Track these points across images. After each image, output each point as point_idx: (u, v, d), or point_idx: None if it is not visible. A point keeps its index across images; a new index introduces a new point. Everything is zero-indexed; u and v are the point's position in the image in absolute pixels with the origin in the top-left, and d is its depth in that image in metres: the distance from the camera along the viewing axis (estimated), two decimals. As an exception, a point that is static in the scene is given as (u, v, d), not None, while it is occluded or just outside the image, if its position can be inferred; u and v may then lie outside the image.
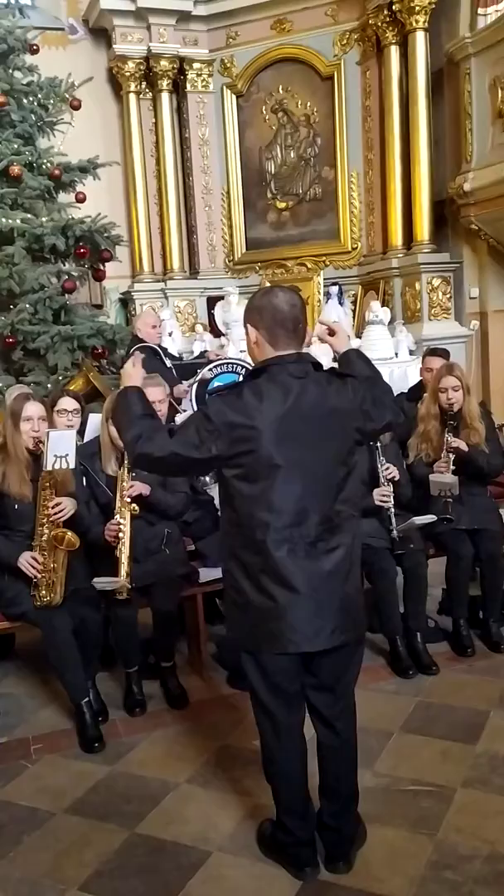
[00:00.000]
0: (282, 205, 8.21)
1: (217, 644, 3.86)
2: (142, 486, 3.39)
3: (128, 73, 7.91)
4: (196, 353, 7.58)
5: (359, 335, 7.26)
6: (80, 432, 4.15)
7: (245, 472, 2.18)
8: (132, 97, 8.01)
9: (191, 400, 5.33)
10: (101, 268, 6.80)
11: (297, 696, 2.32)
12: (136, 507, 3.35)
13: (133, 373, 2.53)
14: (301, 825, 2.33)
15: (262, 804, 2.57)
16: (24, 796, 2.84)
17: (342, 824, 2.36)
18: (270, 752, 2.36)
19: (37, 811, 2.73)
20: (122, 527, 3.32)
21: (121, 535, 3.32)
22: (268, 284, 8.09)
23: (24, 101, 6.35)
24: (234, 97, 8.19)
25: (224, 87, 8.19)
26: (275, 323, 2.22)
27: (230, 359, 5.61)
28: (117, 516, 3.34)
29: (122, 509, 3.33)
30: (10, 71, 6.31)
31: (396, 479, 3.74)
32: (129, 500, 3.34)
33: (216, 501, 3.94)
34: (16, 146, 6.13)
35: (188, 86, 8.16)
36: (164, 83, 7.97)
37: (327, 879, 2.29)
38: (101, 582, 3.29)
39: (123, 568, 3.29)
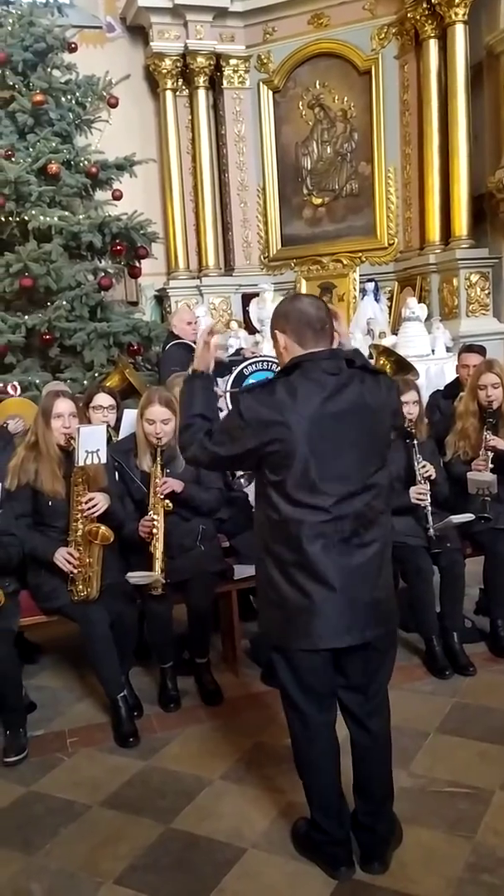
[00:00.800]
0: (318, 201, 8.18)
1: (251, 641, 3.85)
2: (175, 483, 3.39)
3: (164, 71, 7.94)
4: (231, 350, 7.58)
5: (395, 332, 7.21)
6: (116, 428, 4.17)
7: (276, 468, 2.17)
8: (169, 94, 8.04)
9: (226, 399, 5.32)
10: (137, 265, 6.83)
11: (328, 696, 2.30)
12: (170, 504, 3.36)
13: (202, 353, 2.45)
14: (335, 824, 2.32)
15: (297, 802, 2.56)
16: (61, 789, 2.86)
17: (377, 824, 2.34)
18: (302, 751, 2.35)
19: (73, 804, 2.75)
20: (155, 523, 3.33)
21: (154, 530, 3.33)
22: (303, 281, 8.09)
23: (63, 99, 6.41)
24: (270, 93, 8.17)
25: (260, 83, 8.17)
26: (301, 324, 2.23)
27: (265, 356, 5.59)
28: (151, 512, 3.35)
29: (156, 505, 3.35)
30: (49, 70, 6.37)
31: (433, 477, 3.70)
32: (162, 496, 3.35)
33: (250, 499, 3.94)
34: (54, 144, 6.19)
35: (224, 82, 8.16)
36: (201, 80, 7.98)
37: (362, 879, 2.28)
38: (135, 576, 3.30)
39: (157, 563, 3.30)
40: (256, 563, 2.37)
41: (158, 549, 3.31)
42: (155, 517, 3.33)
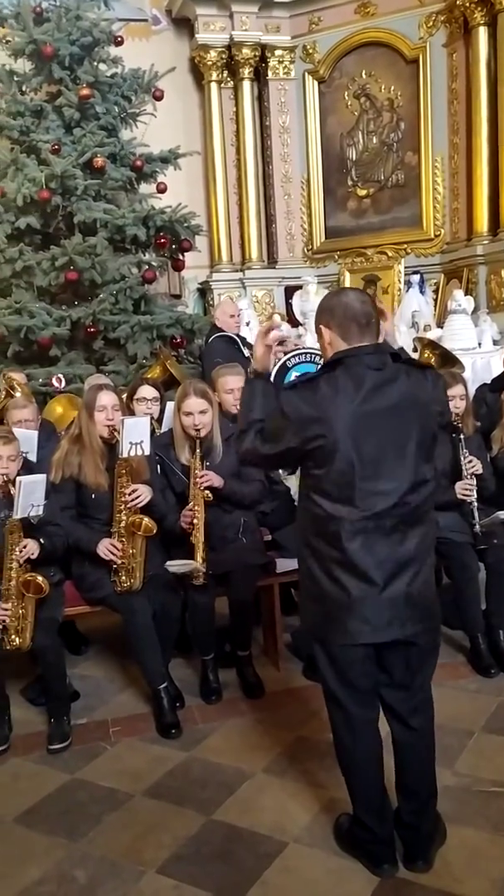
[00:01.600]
0: (363, 192, 8.10)
1: (292, 635, 3.85)
2: (215, 478, 3.39)
3: (210, 63, 7.93)
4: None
5: (440, 325, 7.10)
6: (159, 420, 4.19)
7: (319, 462, 2.16)
8: (213, 86, 8.02)
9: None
10: (181, 258, 6.85)
11: (370, 693, 2.29)
12: (210, 495, 3.36)
13: (261, 353, 2.42)
14: (378, 822, 2.30)
15: (339, 798, 2.55)
16: (103, 777, 2.89)
17: (421, 822, 2.32)
18: (344, 748, 2.34)
19: (115, 792, 2.78)
20: (196, 513, 3.34)
21: (195, 521, 3.34)
22: (347, 273, 8.02)
23: (108, 93, 6.43)
24: (315, 83, 8.11)
25: (306, 74, 8.11)
26: (346, 318, 2.21)
27: (309, 349, 5.55)
28: (191, 503, 3.36)
29: (196, 496, 3.35)
30: (95, 63, 6.41)
31: (480, 472, 3.64)
32: (202, 488, 3.36)
33: (292, 492, 3.93)
34: (99, 138, 6.22)
35: (269, 73, 8.12)
36: (246, 71, 7.96)
37: (406, 878, 2.26)
38: (174, 564, 3.30)
39: (199, 553, 3.31)
40: (298, 558, 2.37)
41: (199, 539, 3.32)
42: (195, 508, 3.34)
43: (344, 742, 2.31)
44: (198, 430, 3.40)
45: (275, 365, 5.31)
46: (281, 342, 2.48)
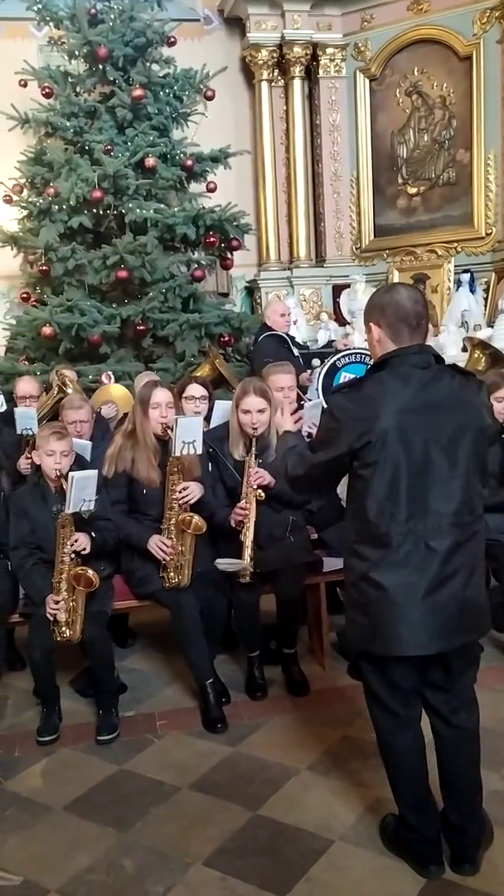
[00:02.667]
0: (413, 190, 8.02)
1: (338, 634, 3.85)
2: (267, 475, 3.40)
3: (261, 62, 7.94)
4: (321, 342, 7.55)
5: (491, 324, 7.01)
6: (207, 418, 4.22)
7: (368, 465, 2.15)
8: (264, 85, 8.03)
9: (317, 388, 5.30)
10: (229, 256, 6.88)
11: (412, 693, 2.28)
12: (262, 494, 3.37)
13: (283, 421, 2.72)
14: (424, 822, 2.29)
15: (384, 798, 2.55)
16: (150, 769, 2.94)
17: (467, 824, 2.30)
18: (387, 746, 2.34)
19: (162, 784, 2.82)
20: (247, 512, 3.36)
21: (246, 520, 3.36)
22: (395, 272, 7.97)
23: (161, 93, 6.49)
24: (366, 81, 8.06)
25: (357, 72, 8.07)
26: (397, 319, 2.20)
27: (358, 349, 5.53)
28: (243, 501, 3.37)
29: (249, 495, 3.37)
30: (148, 64, 6.47)
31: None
32: (255, 486, 3.37)
33: (339, 491, 3.92)
34: (151, 138, 6.29)
35: (321, 71, 8.09)
36: (297, 70, 7.94)
37: (452, 879, 2.25)
38: (223, 563, 3.33)
39: (247, 552, 3.32)
40: (345, 566, 2.36)
41: (248, 537, 3.33)
42: (247, 506, 3.35)
43: (387, 741, 2.31)
44: (255, 428, 3.42)
45: (323, 365, 5.33)
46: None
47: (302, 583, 3.54)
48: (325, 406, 2.34)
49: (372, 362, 2.34)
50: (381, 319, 2.24)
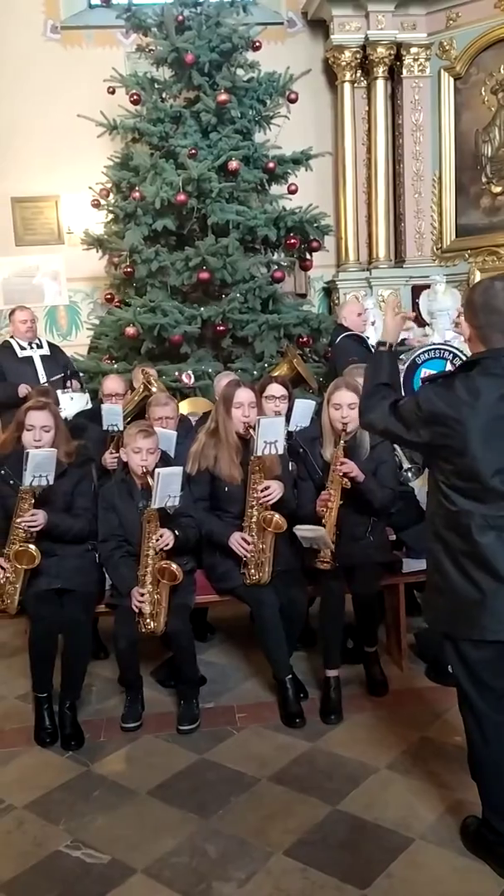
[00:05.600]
0: (497, 189, 7.87)
1: (416, 636, 3.84)
2: (356, 469, 3.38)
3: (344, 63, 7.93)
4: (400, 337, 7.48)
5: None
6: (287, 418, 4.26)
7: (449, 461, 2.18)
8: (347, 86, 8.02)
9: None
10: (309, 258, 6.90)
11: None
12: (348, 483, 3.37)
13: (392, 325, 2.54)
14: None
15: (465, 800, 2.56)
16: (230, 760, 3.01)
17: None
18: (476, 750, 2.34)
19: (243, 775, 2.89)
20: (332, 497, 3.37)
21: (329, 503, 3.36)
22: (477, 272, 7.84)
23: (244, 97, 6.56)
24: (451, 80, 7.95)
25: (441, 71, 7.98)
26: (489, 325, 2.20)
27: (438, 344, 5.49)
28: (328, 486, 3.38)
29: (335, 481, 3.37)
30: (233, 69, 6.54)
31: None
32: (341, 474, 3.37)
33: (416, 492, 3.92)
34: (234, 142, 6.35)
35: (404, 71, 8.02)
36: (380, 70, 7.90)
37: (535, 884, 2.24)
38: (302, 528, 3.34)
39: (329, 532, 3.33)
40: (426, 551, 2.39)
41: (330, 522, 3.35)
42: (332, 492, 3.36)
43: (477, 744, 2.32)
44: (345, 423, 3.44)
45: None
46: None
47: (378, 581, 3.54)
48: (417, 391, 2.34)
49: (459, 350, 2.36)
50: (474, 319, 2.25)
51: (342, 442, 3.41)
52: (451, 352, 5.28)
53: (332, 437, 3.52)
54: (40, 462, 3.23)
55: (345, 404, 3.44)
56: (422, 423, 2.20)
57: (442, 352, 5.37)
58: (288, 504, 3.50)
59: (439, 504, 2.26)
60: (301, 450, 3.59)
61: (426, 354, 5.28)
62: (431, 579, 2.35)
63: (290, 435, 4.03)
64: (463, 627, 2.22)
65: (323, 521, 3.37)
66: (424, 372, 5.01)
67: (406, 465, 3.90)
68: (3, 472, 3.45)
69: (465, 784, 2.49)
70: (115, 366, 6.22)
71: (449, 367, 4.84)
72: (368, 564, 3.49)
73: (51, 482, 3.28)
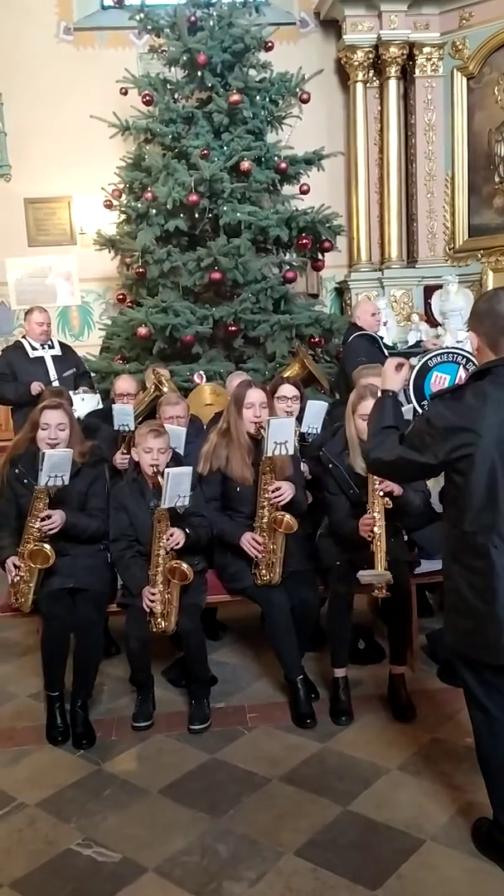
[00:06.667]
0: (510, 189, 7.87)
1: (428, 637, 3.83)
2: (395, 486, 3.20)
3: (356, 63, 7.93)
4: (411, 343, 7.49)
5: None
6: (299, 418, 4.26)
7: (465, 475, 2.16)
8: (359, 86, 8.02)
9: (406, 391, 5.26)
10: (321, 258, 6.90)
11: None
12: (389, 502, 3.18)
13: (392, 377, 2.51)
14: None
15: (477, 802, 2.55)
16: (241, 759, 3.01)
17: None
18: (486, 751, 2.33)
19: (254, 775, 2.89)
20: (376, 521, 3.13)
21: (376, 529, 3.12)
22: (490, 273, 7.82)
23: (257, 97, 6.56)
24: (464, 80, 7.94)
25: (454, 70, 7.96)
26: (495, 329, 2.19)
27: (451, 348, 5.47)
28: (370, 510, 3.16)
29: (375, 503, 3.15)
30: (246, 69, 6.55)
31: None
32: (381, 494, 3.15)
33: (430, 492, 3.89)
34: (247, 142, 6.36)
35: (417, 71, 8.01)
36: (393, 70, 7.90)
37: (546, 887, 2.24)
38: (367, 575, 3.10)
39: (381, 562, 3.08)
40: (444, 571, 2.36)
41: (381, 548, 3.10)
42: (376, 514, 3.13)
43: (486, 746, 2.31)
44: None
45: (417, 365, 5.28)
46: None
47: (409, 579, 3.43)
48: (426, 408, 2.32)
49: (471, 354, 2.35)
50: (479, 328, 2.24)
51: None
52: (463, 356, 5.26)
53: (362, 448, 3.40)
54: (56, 462, 3.25)
55: None
56: (436, 441, 2.17)
57: (454, 356, 5.35)
58: (299, 505, 3.50)
59: (454, 524, 2.24)
60: (331, 465, 3.43)
61: (438, 358, 5.26)
62: (450, 599, 2.32)
63: (302, 436, 4.03)
64: (481, 650, 2.19)
65: (372, 547, 3.13)
66: (436, 375, 4.98)
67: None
68: (17, 470, 3.47)
69: (477, 785, 2.48)
70: (127, 366, 6.24)
71: (461, 371, 4.81)
72: (398, 563, 3.37)
73: (66, 482, 3.29)
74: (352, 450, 3.43)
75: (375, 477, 3.15)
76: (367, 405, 3.33)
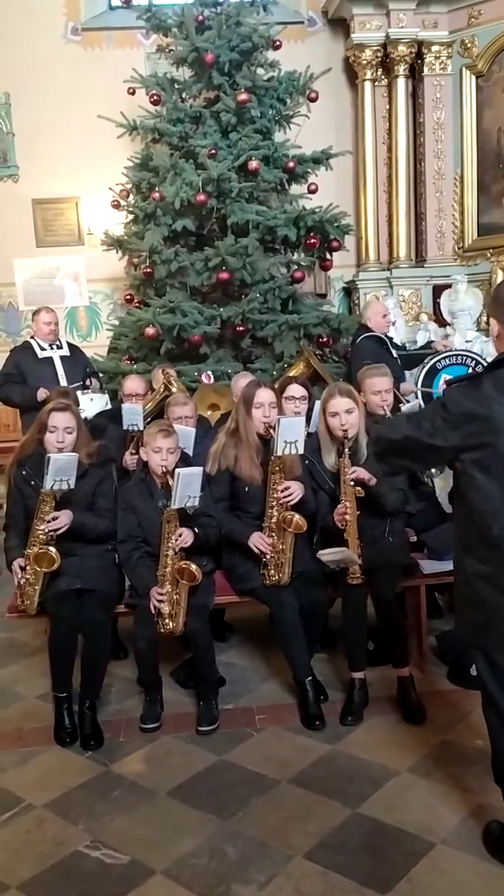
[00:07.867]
0: (519, 187, 7.84)
1: (437, 638, 3.80)
2: (363, 471, 3.34)
3: (364, 62, 7.92)
4: (420, 344, 7.45)
5: None
6: (307, 418, 4.24)
7: (481, 465, 2.14)
8: (367, 85, 8.00)
9: (417, 395, 5.23)
10: (329, 258, 6.88)
11: None
12: (361, 490, 3.32)
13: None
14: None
15: (488, 805, 2.52)
16: (250, 761, 2.99)
17: None
18: (501, 753, 2.30)
19: (263, 777, 2.87)
20: (347, 509, 3.33)
21: (347, 516, 3.32)
22: (499, 272, 7.78)
23: (265, 96, 6.54)
24: (473, 78, 7.91)
25: (463, 69, 7.93)
26: None
27: (459, 350, 5.45)
28: (343, 500, 3.33)
29: (347, 492, 3.32)
30: (253, 68, 6.53)
31: None
32: (352, 483, 3.33)
33: (437, 493, 3.88)
34: (254, 141, 6.34)
35: (425, 69, 7.99)
36: (401, 69, 7.88)
37: None
38: (326, 553, 3.27)
39: (355, 549, 3.28)
40: (455, 562, 2.35)
41: (352, 535, 3.30)
42: (347, 504, 3.32)
43: (501, 746, 2.29)
44: (345, 430, 3.39)
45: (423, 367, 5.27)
46: None
47: (398, 583, 3.50)
48: (441, 394, 2.29)
49: (481, 357, 2.33)
50: (501, 315, 2.21)
51: (346, 450, 3.36)
52: (472, 358, 5.23)
53: (333, 445, 3.48)
54: (62, 466, 3.24)
55: (341, 411, 3.40)
56: (449, 426, 2.15)
57: (463, 358, 5.32)
58: (308, 505, 3.48)
59: (467, 514, 2.22)
60: (307, 461, 3.52)
61: (446, 360, 5.24)
62: (462, 592, 2.30)
63: (310, 436, 4.01)
64: (494, 641, 2.18)
65: (345, 535, 3.30)
66: (444, 377, 4.96)
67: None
68: (24, 472, 3.46)
69: (488, 788, 2.46)
70: (135, 366, 6.22)
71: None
72: (387, 565, 3.44)
73: (72, 486, 3.28)
74: (323, 447, 3.51)
75: (347, 468, 3.29)
76: (337, 403, 3.40)
